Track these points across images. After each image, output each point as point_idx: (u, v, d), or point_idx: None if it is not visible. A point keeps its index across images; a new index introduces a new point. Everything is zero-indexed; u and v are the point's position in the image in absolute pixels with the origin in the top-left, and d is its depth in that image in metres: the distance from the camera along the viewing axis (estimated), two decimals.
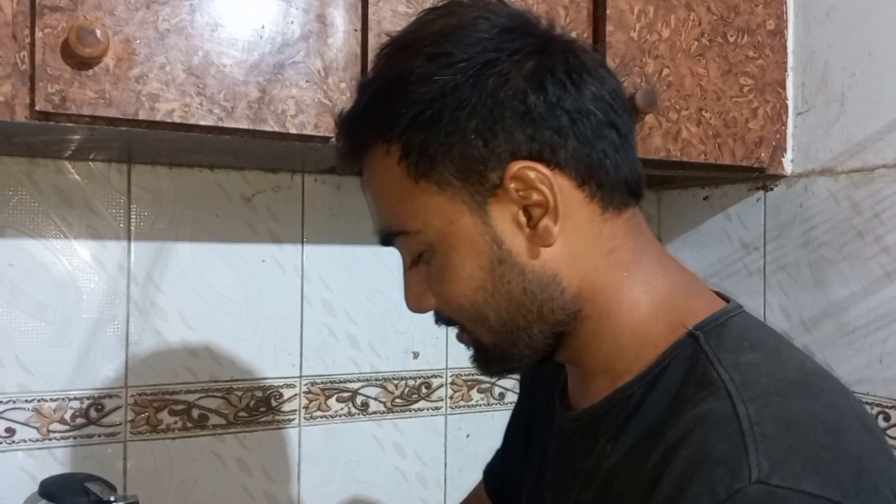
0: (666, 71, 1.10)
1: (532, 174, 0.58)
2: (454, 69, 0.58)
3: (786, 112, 1.22)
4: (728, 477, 0.47)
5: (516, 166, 0.58)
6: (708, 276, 1.39)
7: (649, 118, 1.08)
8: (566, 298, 0.61)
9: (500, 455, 0.93)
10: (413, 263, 0.65)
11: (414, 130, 0.59)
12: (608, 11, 1.05)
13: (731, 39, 1.15)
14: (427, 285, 0.64)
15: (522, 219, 0.60)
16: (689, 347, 0.58)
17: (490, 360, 0.65)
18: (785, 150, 1.22)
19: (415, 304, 0.66)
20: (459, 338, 0.67)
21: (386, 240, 0.65)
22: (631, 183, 0.63)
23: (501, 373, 0.68)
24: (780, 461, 0.47)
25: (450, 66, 0.58)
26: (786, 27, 1.22)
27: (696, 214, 1.42)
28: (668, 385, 0.57)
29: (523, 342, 0.63)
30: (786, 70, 1.22)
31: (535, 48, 0.60)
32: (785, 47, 1.22)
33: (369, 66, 0.91)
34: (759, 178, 1.27)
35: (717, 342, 0.57)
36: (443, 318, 0.66)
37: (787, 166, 1.23)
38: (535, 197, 0.59)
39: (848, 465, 0.48)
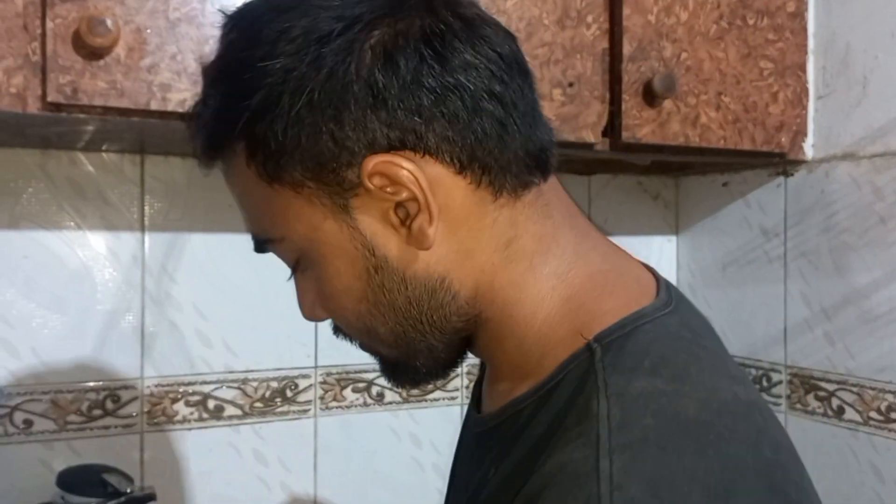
0: (684, 55, 1.08)
1: (394, 168, 0.49)
2: (285, 50, 0.48)
3: (806, 96, 1.20)
4: None
5: (372, 161, 0.49)
6: (727, 263, 1.37)
7: (667, 103, 1.06)
8: (460, 303, 0.53)
9: None
10: (294, 271, 0.57)
11: (254, 126, 0.50)
12: None
13: (751, 22, 1.13)
14: (314, 296, 0.57)
15: (395, 219, 0.51)
16: (584, 363, 0.49)
17: (396, 373, 0.59)
18: (806, 134, 1.20)
19: (308, 313, 0.59)
20: (362, 349, 0.59)
21: (258, 247, 0.57)
22: (529, 159, 0.53)
23: (415, 385, 0.60)
24: None
25: (289, 44, 0.49)
26: (806, 9, 1.20)
27: (714, 200, 1.40)
28: (555, 407, 0.49)
29: (423, 354, 0.55)
30: (806, 53, 1.20)
31: (383, 12, 0.49)
32: (805, 30, 1.20)
33: None
34: (780, 163, 1.25)
35: (613, 360, 0.48)
36: (340, 330, 0.59)
37: (808, 151, 1.21)
38: (403, 194, 0.50)
39: None
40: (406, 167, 0.49)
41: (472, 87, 0.50)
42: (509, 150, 0.52)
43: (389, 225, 0.51)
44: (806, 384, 1.23)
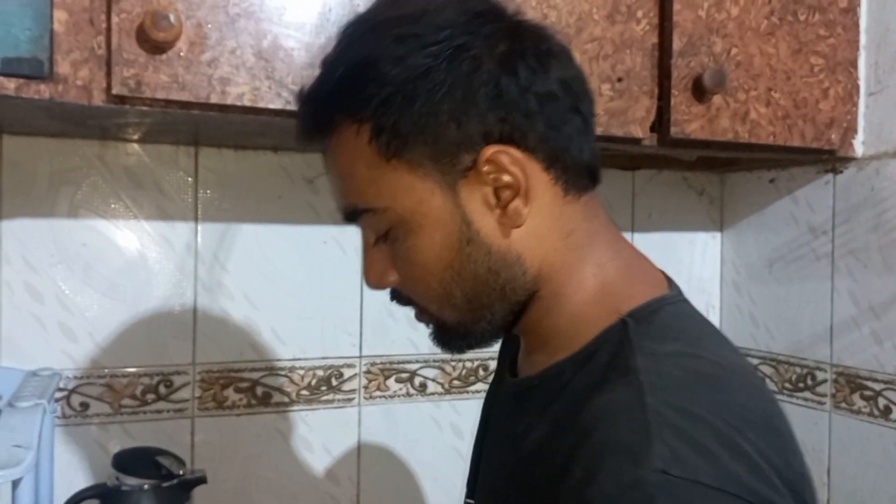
0: (734, 50, 1.07)
1: (506, 157, 0.59)
2: (426, 52, 0.58)
3: (857, 92, 1.19)
4: (633, 466, 0.48)
5: (491, 150, 0.59)
6: (773, 259, 1.36)
7: (717, 99, 1.06)
8: (527, 279, 0.63)
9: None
10: (377, 241, 0.64)
11: (386, 111, 0.59)
12: None
13: (802, 18, 1.12)
14: (389, 263, 0.64)
15: (492, 200, 0.61)
16: (618, 333, 0.59)
17: (453, 337, 0.66)
18: (856, 131, 1.19)
19: (376, 281, 0.66)
20: (418, 317, 0.67)
21: (350, 217, 0.65)
22: (591, 167, 0.64)
23: (463, 349, 0.68)
24: (681, 453, 0.48)
25: (421, 49, 0.58)
26: (858, 4, 1.18)
27: (761, 197, 1.39)
28: (595, 368, 0.58)
29: (485, 319, 0.64)
30: (858, 49, 1.19)
31: (505, 33, 0.61)
32: (857, 25, 1.18)
33: None
34: (829, 160, 1.23)
35: (644, 330, 0.58)
36: (400, 298, 0.67)
37: (859, 148, 1.20)
38: (506, 179, 0.60)
39: (745, 461, 0.49)
40: (516, 157, 0.59)
41: (566, 99, 0.61)
42: (581, 158, 0.63)
43: (487, 205, 0.61)
44: (852, 383, 1.22)
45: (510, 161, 0.59)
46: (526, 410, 0.65)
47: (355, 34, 0.63)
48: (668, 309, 0.61)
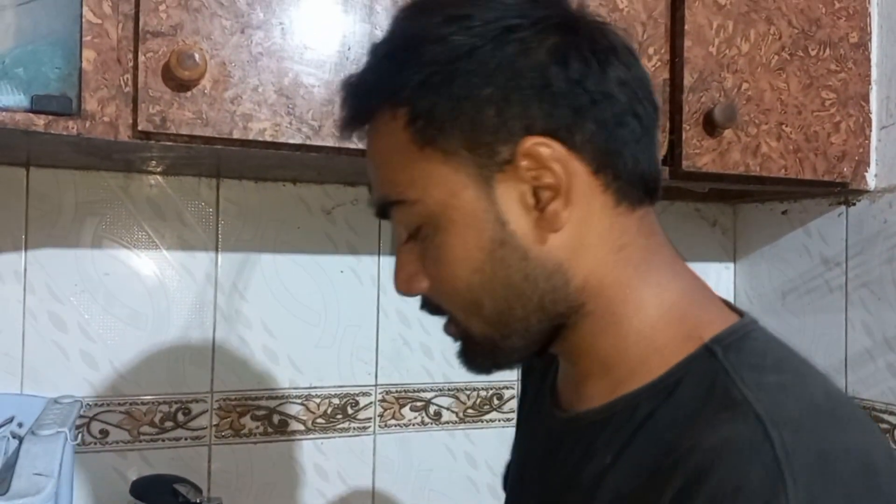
0: (745, 85, 1.09)
1: (547, 151, 0.54)
2: (472, 32, 0.54)
3: (869, 126, 1.20)
4: None
5: (530, 141, 0.54)
6: (786, 291, 1.37)
7: (728, 133, 1.07)
8: (570, 290, 0.57)
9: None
10: (409, 239, 0.59)
11: (423, 94, 0.55)
12: (686, 27, 1.05)
13: (813, 53, 1.14)
14: (420, 266, 0.59)
15: (531, 200, 0.55)
16: (705, 362, 0.54)
17: (478, 354, 0.60)
18: (868, 164, 1.20)
19: (404, 286, 0.60)
20: (447, 329, 0.61)
21: (382, 210, 0.60)
22: (648, 180, 0.59)
23: (490, 369, 0.61)
24: (818, 497, 0.44)
25: (468, 29, 0.54)
26: (869, 39, 1.20)
27: (773, 228, 1.40)
28: (683, 401, 0.53)
29: (518, 334, 0.58)
30: (869, 83, 1.20)
31: (561, 22, 0.56)
32: (868, 60, 1.20)
33: None
34: (841, 192, 1.24)
35: (738, 358, 0.53)
36: (430, 306, 0.61)
37: (871, 181, 1.20)
38: (547, 177, 0.55)
39: (883, 502, 0.46)
40: (558, 153, 0.54)
41: (622, 100, 0.56)
42: (637, 167, 0.58)
43: (524, 205, 0.56)
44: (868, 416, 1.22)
45: (551, 156, 0.54)
46: (591, 449, 0.58)
47: (405, 16, 0.60)
48: (753, 335, 0.56)
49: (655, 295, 0.58)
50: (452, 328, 0.61)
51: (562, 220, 0.55)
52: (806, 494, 0.44)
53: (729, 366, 0.52)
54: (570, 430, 0.62)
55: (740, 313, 0.59)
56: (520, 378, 0.87)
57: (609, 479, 0.55)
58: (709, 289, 0.62)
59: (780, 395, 0.50)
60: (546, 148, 0.54)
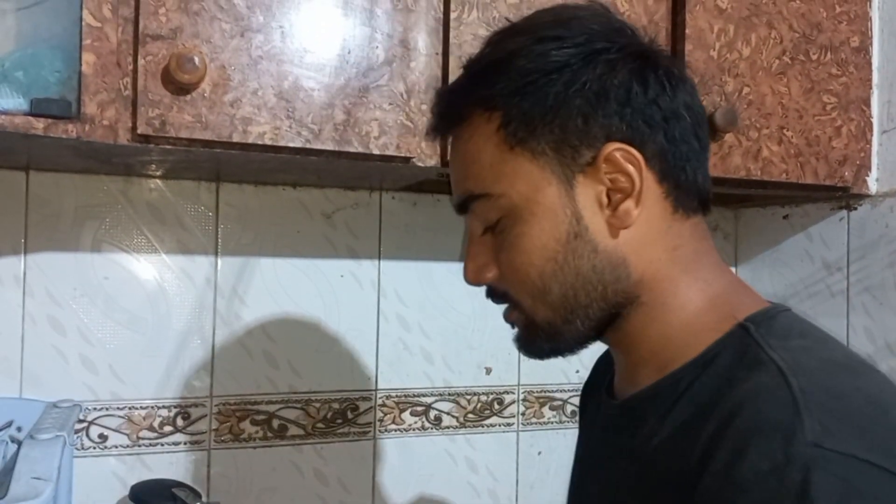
0: (746, 89, 1.09)
1: (626, 157, 0.61)
2: (564, 51, 0.62)
3: (870, 130, 1.20)
4: (784, 442, 0.49)
5: (612, 147, 0.61)
6: (788, 296, 1.36)
7: (729, 137, 1.07)
8: (630, 283, 0.63)
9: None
10: (485, 231, 0.67)
11: (519, 99, 0.62)
12: (687, 31, 1.05)
13: (814, 57, 1.14)
14: (491, 257, 0.66)
15: (604, 199, 0.62)
16: (739, 337, 0.60)
17: (539, 338, 0.67)
18: (870, 168, 1.20)
19: (474, 275, 0.68)
20: (507, 315, 0.68)
21: (463, 205, 0.67)
22: (702, 192, 0.66)
23: (547, 353, 0.68)
24: (831, 427, 0.49)
25: (560, 49, 0.62)
26: (870, 44, 1.20)
27: (775, 233, 1.40)
28: (719, 369, 0.59)
29: (579, 320, 0.64)
30: (870, 87, 1.20)
31: (640, 48, 0.65)
32: (870, 64, 1.20)
33: None
34: (842, 197, 1.24)
35: (766, 331, 0.59)
36: (495, 293, 0.68)
37: (872, 185, 1.20)
38: (622, 180, 0.62)
39: (893, 435, 0.50)
40: (635, 158, 0.62)
41: (687, 121, 0.64)
42: (694, 179, 0.65)
43: (599, 203, 0.63)
44: None
45: (628, 161, 0.61)
46: (642, 422, 0.64)
47: (499, 37, 0.67)
48: (784, 315, 0.63)
49: (701, 290, 0.64)
50: (515, 314, 0.67)
51: (632, 218, 0.62)
52: (819, 426, 0.49)
53: (758, 336, 0.59)
54: (623, 412, 0.68)
55: (773, 304, 0.66)
56: (580, 395, 0.90)
57: (654, 441, 0.61)
58: (749, 287, 0.68)
59: (801, 354, 0.56)
60: (625, 154, 0.61)
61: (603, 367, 0.83)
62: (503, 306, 0.69)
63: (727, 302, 0.64)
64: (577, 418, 0.91)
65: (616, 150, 0.61)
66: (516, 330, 0.69)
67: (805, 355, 0.56)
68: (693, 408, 0.59)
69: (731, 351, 0.60)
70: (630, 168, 0.61)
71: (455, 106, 0.67)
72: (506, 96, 0.63)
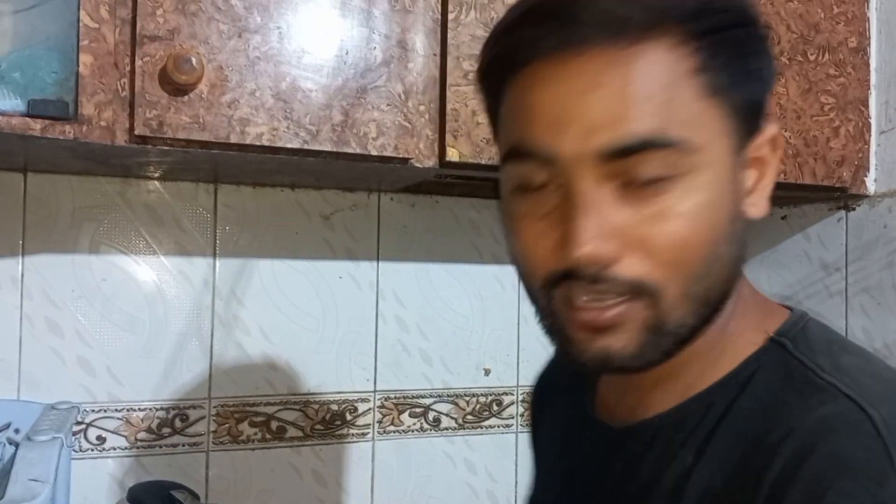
0: None
1: (782, 143, 0.55)
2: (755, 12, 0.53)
3: (868, 130, 1.20)
4: (873, 485, 0.44)
5: (776, 129, 0.54)
6: (786, 297, 1.36)
7: None
8: (733, 286, 0.55)
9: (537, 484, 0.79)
10: (625, 186, 0.49)
11: (718, 48, 0.50)
12: None
13: (812, 58, 1.14)
14: (621, 222, 0.49)
15: (751, 182, 0.54)
16: (776, 353, 0.54)
17: (655, 345, 0.51)
18: (868, 169, 1.20)
19: (595, 238, 0.48)
20: (617, 314, 0.50)
21: (634, 147, 0.48)
22: None
23: (664, 357, 0.53)
24: None
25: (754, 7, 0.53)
26: (868, 44, 1.20)
27: (773, 234, 1.40)
28: (759, 392, 0.52)
29: (706, 322, 0.53)
30: (868, 88, 1.20)
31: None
32: (868, 65, 1.20)
33: (448, 90, 0.94)
34: (840, 197, 1.24)
35: (805, 348, 0.53)
36: (605, 280, 0.50)
37: (870, 186, 1.20)
38: (773, 166, 0.55)
39: None
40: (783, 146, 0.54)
41: None
42: None
43: (747, 185, 0.54)
44: None
45: (783, 145, 0.55)
46: (668, 451, 0.55)
47: None
48: (810, 325, 0.56)
49: (733, 300, 0.55)
50: (636, 310, 0.50)
51: (764, 211, 0.55)
52: None
53: (801, 355, 0.53)
54: (635, 437, 0.58)
55: (786, 306, 0.60)
56: (530, 412, 0.82)
57: (695, 479, 0.52)
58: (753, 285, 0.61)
59: (858, 375, 0.50)
60: (783, 140, 0.55)
61: (556, 380, 0.75)
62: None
63: (750, 313, 0.57)
64: (530, 432, 0.82)
65: (780, 133, 0.54)
66: (621, 335, 0.51)
67: (863, 377, 0.50)
68: (739, 441, 0.51)
69: (770, 370, 0.53)
70: (780, 153, 0.55)
71: (647, 9, 0.49)
72: (705, 33, 0.49)
